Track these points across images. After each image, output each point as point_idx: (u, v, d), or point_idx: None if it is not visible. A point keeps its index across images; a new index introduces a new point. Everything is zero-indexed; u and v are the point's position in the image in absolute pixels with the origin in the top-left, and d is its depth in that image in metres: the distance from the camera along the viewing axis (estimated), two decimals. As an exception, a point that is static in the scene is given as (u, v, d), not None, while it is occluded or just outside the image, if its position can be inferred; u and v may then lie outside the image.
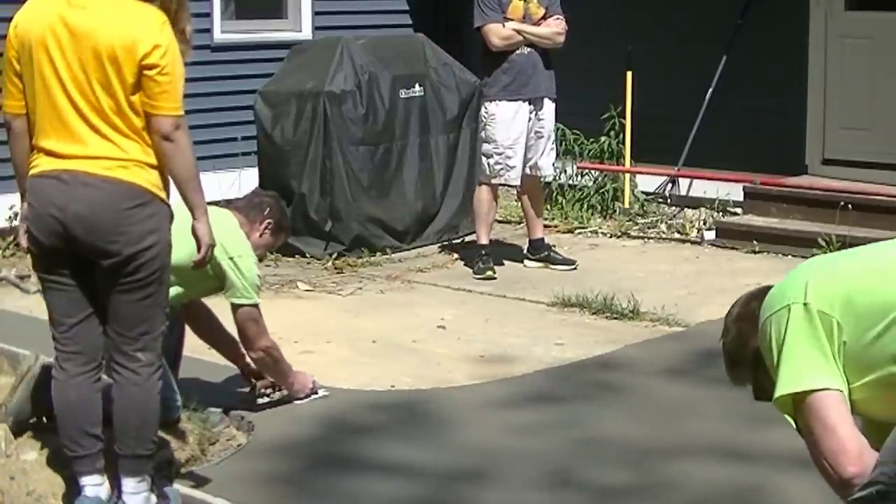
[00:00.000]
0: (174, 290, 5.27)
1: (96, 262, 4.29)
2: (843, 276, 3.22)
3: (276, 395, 5.85)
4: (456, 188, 9.63)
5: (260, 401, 5.82)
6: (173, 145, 4.27)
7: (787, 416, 3.20)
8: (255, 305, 5.50)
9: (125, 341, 4.35)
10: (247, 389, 5.87)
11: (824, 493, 4.75)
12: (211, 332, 5.83)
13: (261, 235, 5.67)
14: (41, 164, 4.32)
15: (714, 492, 4.93)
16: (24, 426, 4.86)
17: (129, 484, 4.42)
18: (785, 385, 3.15)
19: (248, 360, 5.86)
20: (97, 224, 4.23)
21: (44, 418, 4.85)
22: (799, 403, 3.13)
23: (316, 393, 5.93)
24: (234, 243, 5.42)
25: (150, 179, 4.29)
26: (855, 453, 3.06)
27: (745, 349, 3.36)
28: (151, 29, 4.23)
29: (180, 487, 4.74)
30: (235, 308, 5.48)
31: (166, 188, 4.36)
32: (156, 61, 4.21)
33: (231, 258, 5.37)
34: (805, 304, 3.16)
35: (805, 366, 3.13)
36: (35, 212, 4.33)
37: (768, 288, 3.38)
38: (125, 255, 4.25)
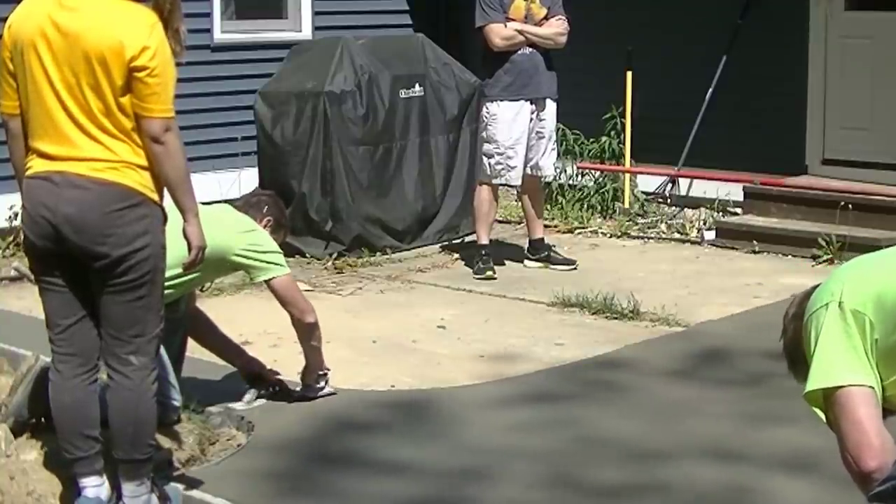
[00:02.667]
0: (186, 279, 5.25)
1: (88, 263, 4.27)
2: (876, 275, 3.26)
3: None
4: (456, 188, 9.63)
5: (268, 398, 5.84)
6: (163, 148, 4.23)
7: (816, 411, 3.24)
8: (288, 274, 5.51)
9: (118, 344, 4.33)
10: (246, 388, 5.87)
11: (821, 494, 4.78)
12: (204, 333, 5.82)
13: None
14: (34, 165, 4.31)
15: (713, 491, 4.92)
16: (25, 426, 4.87)
17: (128, 488, 4.41)
18: (815, 380, 3.20)
19: (245, 359, 5.87)
20: (86, 225, 4.21)
21: (42, 419, 4.84)
22: (828, 398, 3.18)
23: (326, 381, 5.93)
24: (243, 224, 5.47)
25: (140, 181, 4.26)
26: (878, 448, 3.09)
27: (801, 347, 3.37)
28: (140, 31, 4.20)
29: (180, 487, 4.75)
30: (271, 282, 5.47)
31: (159, 190, 4.32)
32: (145, 63, 4.18)
33: (245, 232, 5.40)
34: (840, 303, 3.20)
35: (836, 362, 3.17)
36: (28, 213, 4.32)
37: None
38: (115, 257, 4.23)
